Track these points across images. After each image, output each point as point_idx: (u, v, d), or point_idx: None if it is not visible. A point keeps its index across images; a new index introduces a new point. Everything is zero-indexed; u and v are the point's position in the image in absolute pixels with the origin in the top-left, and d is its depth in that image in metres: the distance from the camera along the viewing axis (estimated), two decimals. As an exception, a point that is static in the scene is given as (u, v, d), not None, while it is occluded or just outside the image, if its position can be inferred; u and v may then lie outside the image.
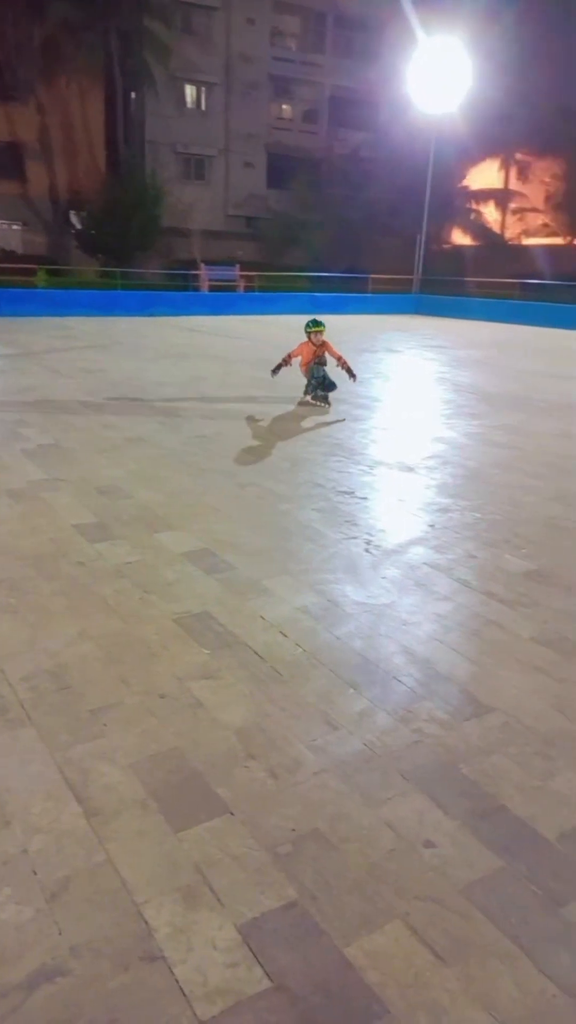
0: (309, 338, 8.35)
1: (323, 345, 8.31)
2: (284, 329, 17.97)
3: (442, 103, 24.81)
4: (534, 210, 35.45)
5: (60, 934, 1.74)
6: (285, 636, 3.18)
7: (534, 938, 1.78)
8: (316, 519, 4.70)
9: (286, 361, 8.42)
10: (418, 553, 4.23)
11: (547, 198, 34.28)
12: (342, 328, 18.99)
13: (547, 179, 33.90)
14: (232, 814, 2.14)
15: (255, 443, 6.60)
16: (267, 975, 1.66)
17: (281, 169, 35.45)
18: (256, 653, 3.03)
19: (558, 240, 34.44)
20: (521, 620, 3.44)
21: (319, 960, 1.71)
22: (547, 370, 12.74)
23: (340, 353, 8.40)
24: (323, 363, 8.27)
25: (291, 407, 8.32)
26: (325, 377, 8.25)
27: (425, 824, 2.13)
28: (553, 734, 2.57)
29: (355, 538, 4.40)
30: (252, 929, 1.77)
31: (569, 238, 34.19)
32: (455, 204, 34.34)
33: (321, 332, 8.27)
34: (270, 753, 2.41)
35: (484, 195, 35.72)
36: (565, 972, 1.70)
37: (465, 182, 35.39)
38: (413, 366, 12.68)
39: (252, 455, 6.20)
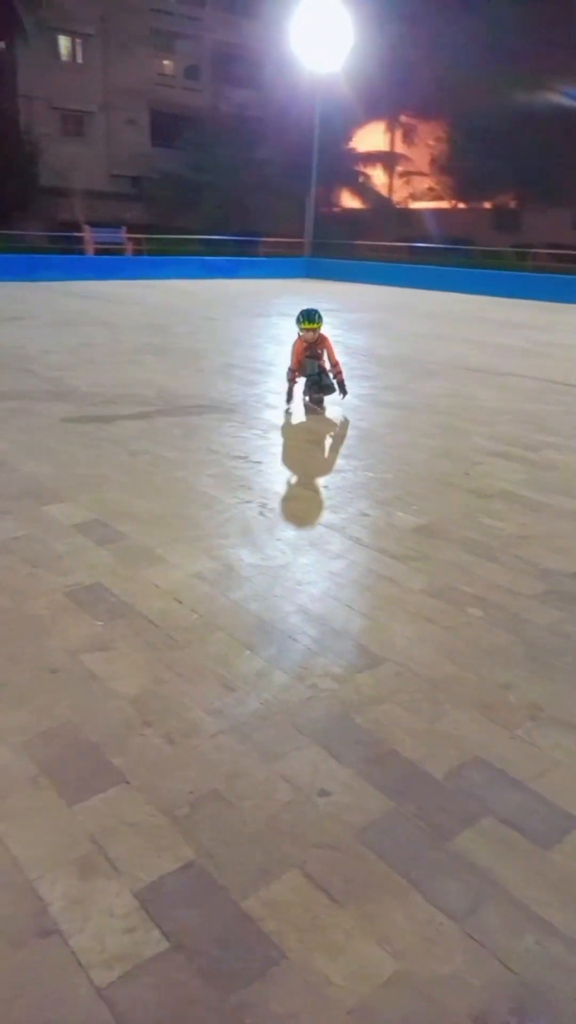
0: (299, 335, 6.68)
1: (320, 341, 6.65)
2: (175, 294, 17.59)
3: (326, 62, 24.59)
4: (420, 173, 35.95)
5: (-51, 919, 1.68)
6: (180, 603, 3.16)
7: (423, 872, 1.86)
8: (210, 485, 4.66)
9: (292, 379, 6.70)
10: (312, 514, 4.28)
11: (432, 161, 34.80)
12: (235, 293, 18.76)
13: (431, 142, 34.38)
14: (128, 782, 2.11)
15: (147, 409, 6.46)
16: (164, 936, 1.67)
17: (166, 127, 34.31)
18: (151, 621, 2.99)
19: (443, 204, 35.10)
20: (412, 574, 3.54)
21: (217, 915, 1.73)
22: (435, 332, 13.05)
23: (337, 359, 6.73)
24: (317, 357, 6.63)
25: (183, 371, 8.18)
26: (321, 375, 6.61)
27: (320, 774, 2.18)
28: (441, 679, 2.68)
29: (250, 502, 4.39)
30: (150, 893, 1.77)
31: (454, 202, 34.90)
32: (343, 166, 34.34)
33: (315, 329, 6.54)
34: (167, 719, 2.39)
35: (371, 158, 35.90)
36: (452, 900, 1.79)
37: (352, 144, 35.41)
38: (306, 330, 12.69)
39: (144, 422, 6.06)
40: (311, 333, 6.55)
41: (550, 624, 3.11)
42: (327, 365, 6.65)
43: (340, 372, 6.73)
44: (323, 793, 2.10)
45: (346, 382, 6.78)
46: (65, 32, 32.04)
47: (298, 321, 6.60)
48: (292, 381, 6.68)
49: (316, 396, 6.82)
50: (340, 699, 2.54)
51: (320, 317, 6.59)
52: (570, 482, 5.01)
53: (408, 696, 2.57)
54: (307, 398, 6.89)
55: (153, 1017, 1.51)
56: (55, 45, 32.01)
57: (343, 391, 6.74)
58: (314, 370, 6.62)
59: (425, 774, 2.19)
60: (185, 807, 2.03)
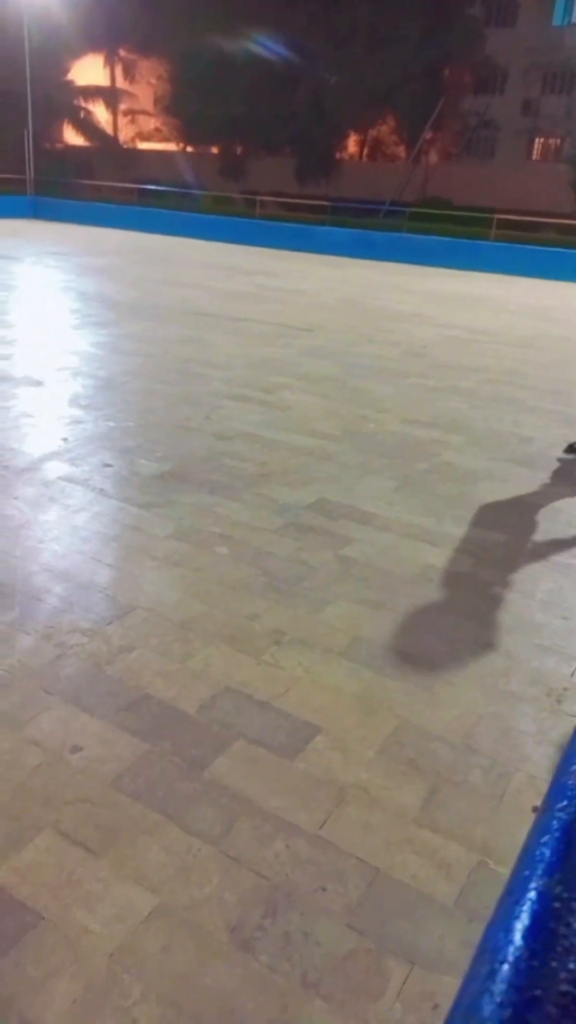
0: None
1: None
2: None
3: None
4: (144, 112, 34.71)
5: None
6: None
7: (179, 805, 1.91)
8: None
9: None
10: (52, 467, 4.07)
11: (155, 101, 33.72)
12: (-51, 234, 16.93)
13: (153, 81, 33.22)
14: None
15: None
16: None
17: None
18: None
19: (171, 146, 34.38)
20: (157, 520, 3.53)
21: (-35, 895, 1.63)
22: (166, 278, 12.88)
23: None
24: None
25: None
26: None
27: (72, 731, 2.12)
28: (190, 619, 2.73)
29: (-20, 461, 4.07)
30: None
31: (181, 144, 34.32)
32: (61, 100, 32.02)
33: None
34: None
35: (92, 92, 33.80)
36: (208, 826, 1.86)
37: (70, 76, 33.09)
38: (35, 275, 11.87)
39: None
40: None
41: (288, 554, 3.29)
42: None
43: None
44: (75, 749, 2.05)
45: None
46: None
47: None
48: None
49: None
50: (89, 653, 2.48)
51: None
52: (303, 421, 5.28)
53: (158, 640, 2.58)
54: None
55: None
56: None
57: None
58: None
59: (179, 711, 2.23)
60: None
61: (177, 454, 4.42)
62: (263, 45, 27.64)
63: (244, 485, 4.03)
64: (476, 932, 1.60)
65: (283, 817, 1.89)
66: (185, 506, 3.71)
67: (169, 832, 1.82)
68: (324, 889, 1.71)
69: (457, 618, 2.90)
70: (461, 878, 1.76)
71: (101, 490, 3.83)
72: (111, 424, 4.87)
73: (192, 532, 3.44)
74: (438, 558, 3.38)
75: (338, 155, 33.07)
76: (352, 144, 35.39)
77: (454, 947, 1.60)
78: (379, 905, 1.69)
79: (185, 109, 31.21)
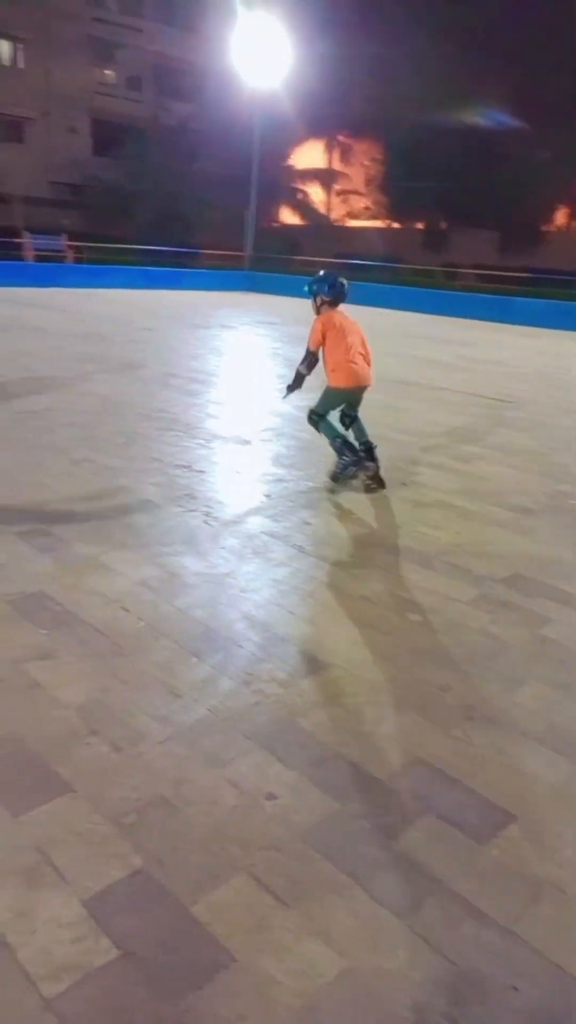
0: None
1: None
2: (115, 303, 17.41)
3: (266, 79, 24.87)
4: (356, 192, 36.61)
5: None
6: (126, 611, 3.14)
7: (367, 870, 1.91)
8: (154, 493, 4.65)
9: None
10: (256, 522, 4.31)
11: (367, 181, 35.50)
12: (176, 303, 18.70)
13: (367, 162, 35.07)
14: (75, 791, 2.10)
15: (86, 419, 6.39)
16: (114, 944, 1.66)
17: (107, 137, 33.99)
18: (96, 629, 2.97)
19: (378, 223, 35.81)
20: (352, 581, 3.61)
21: (166, 922, 1.73)
22: (373, 347, 13.28)
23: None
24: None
25: (122, 380, 8.11)
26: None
27: (267, 778, 2.20)
28: (381, 683, 2.75)
29: (193, 511, 4.40)
30: (97, 902, 1.76)
31: (388, 221, 35.65)
32: (282, 182, 34.69)
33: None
34: (112, 727, 2.38)
35: (309, 175, 36.35)
36: (396, 898, 1.84)
37: (291, 161, 35.82)
38: (247, 342, 12.77)
39: (85, 431, 5.99)
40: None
41: (481, 627, 3.22)
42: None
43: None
44: (270, 796, 2.13)
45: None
46: (4, 36, 31.46)
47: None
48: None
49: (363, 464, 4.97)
50: (285, 704, 2.57)
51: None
52: (499, 492, 5.19)
53: (350, 700, 2.63)
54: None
55: None
56: (-7, 48, 31.43)
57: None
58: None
59: (369, 775, 2.25)
60: (132, 814, 2.03)
61: (373, 517, 4.51)
62: (472, 121, 28.34)
63: (438, 553, 4.02)
64: None
65: (474, 903, 1.82)
66: (379, 569, 3.76)
67: (356, 896, 1.83)
68: (516, 989, 1.63)
69: None
70: None
71: (300, 547, 3.99)
72: (311, 484, 5.08)
73: (385, 595, 3.48)
74: None
75: (544, 227, 32.74)
76: (561, 216, 34.90)
77: None
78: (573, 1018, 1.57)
79: (394, 187, 32.54)
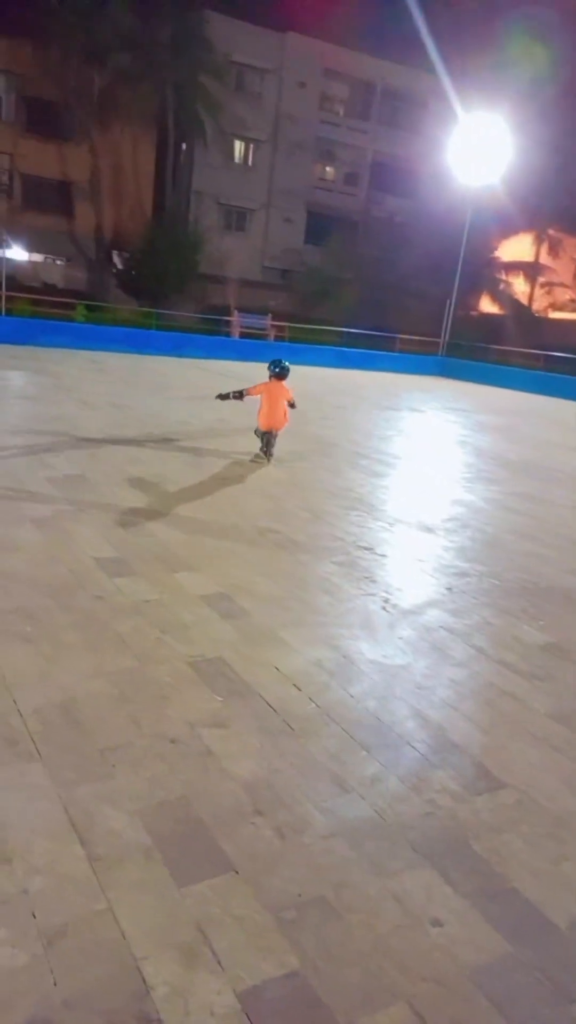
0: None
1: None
2: (311, 380, 18.19)
3: (481, 176, 25.52)
4: (562, 285, 36.08)
5: (55, 984, 1.69)
6: (299, 689, 3.15)
7: (542, 1034, 1.71)
8: (334, 572, 4.69)
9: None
10: (435, 615, 4.20)
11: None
12: (367, 383, 19.22)
13: (576, 256, 34.58)
14: (236, 872, 2.09)
15: (276, 491, 6.64)
16: (264, 1048, 1.60)
17: (319, 226, 36.44)
18: (269, 705, 3.00)
19: (583, 315, 34.93)
20: (536, 693, 3.39)
21: (319, 1037, 1.65)
22: (565, 441, 12.79)
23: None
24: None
25: (312, 456, 8.38)
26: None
27: (433, 900, 2.07)
28: (566, 815, 2.51)
29: (372, 595, 4.38)
30: (251, 997, 1.72)
31: (595, 314, 34.67)
32: (485, 273, 34.99)
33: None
34: (278, 811, 2.36)
35: (514, 267, 36.40)
36: (574, 1074, 1.63)
37: (496, 253, 36.15)
38: (435, 427, 12.78)
39: (272, 502, 6.22)
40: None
41: None
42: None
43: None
44: (436, 922, 1.99)
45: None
46: (239, 137, 35.02)
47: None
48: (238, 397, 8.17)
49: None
50: (458, 820, 2.42)
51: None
52: None
53: (530, 829, 2.42)
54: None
55: None
56: (230, 148, 34.99)
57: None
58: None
59: (547, 920, 2.04)
60: (292, 910, 1.98)
61: (563, 626, 4.24)
62: None
63: None
64: None
65: None
66: (568, 685, 3.51)
67: (528, 1062, 1.64)
68: None
69: None
70: None
71: (480, 648, 3.83)
72: (495, 582, 4.89)
73: (574, 716, 3.22)
74: None
75: None
76: None
77: None
78: None
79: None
